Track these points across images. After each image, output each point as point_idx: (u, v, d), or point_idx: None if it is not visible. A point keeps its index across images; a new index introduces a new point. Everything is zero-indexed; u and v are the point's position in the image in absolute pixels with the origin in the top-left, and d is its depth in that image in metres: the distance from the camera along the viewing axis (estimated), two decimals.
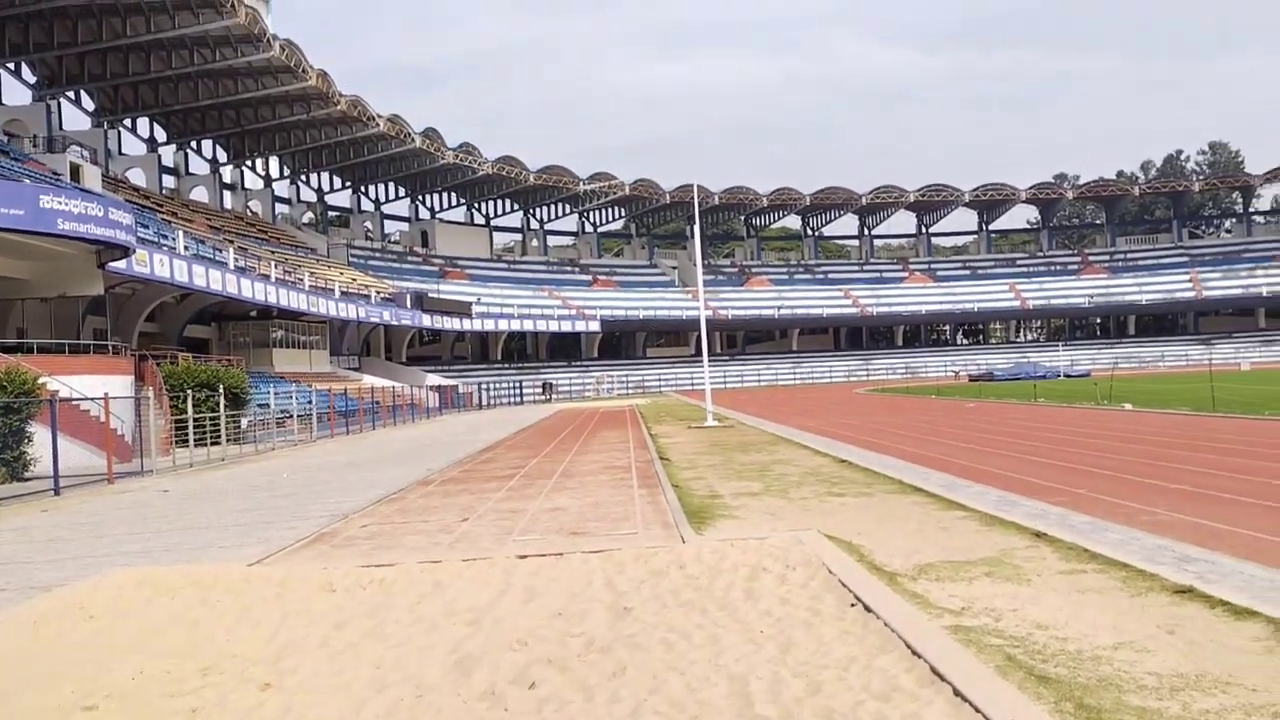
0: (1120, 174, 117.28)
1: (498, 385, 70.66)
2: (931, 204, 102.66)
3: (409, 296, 66.45)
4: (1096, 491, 11.98)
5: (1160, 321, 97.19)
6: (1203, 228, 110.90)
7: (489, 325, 74.26)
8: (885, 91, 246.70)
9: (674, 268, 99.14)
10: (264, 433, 30.72)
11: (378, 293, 63.93)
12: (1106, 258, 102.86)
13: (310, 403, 35.49)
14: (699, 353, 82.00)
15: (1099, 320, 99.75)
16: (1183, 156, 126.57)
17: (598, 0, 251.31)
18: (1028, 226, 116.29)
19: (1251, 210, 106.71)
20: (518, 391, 71.33)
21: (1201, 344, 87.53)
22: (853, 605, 6.78)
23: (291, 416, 34.30)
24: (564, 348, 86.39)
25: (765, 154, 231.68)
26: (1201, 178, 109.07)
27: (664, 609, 7.02)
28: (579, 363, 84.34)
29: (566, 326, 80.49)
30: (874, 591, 7.07)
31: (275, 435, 31.52)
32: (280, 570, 9.11)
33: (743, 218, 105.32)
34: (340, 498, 15.18)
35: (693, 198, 43.61)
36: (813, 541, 9.11)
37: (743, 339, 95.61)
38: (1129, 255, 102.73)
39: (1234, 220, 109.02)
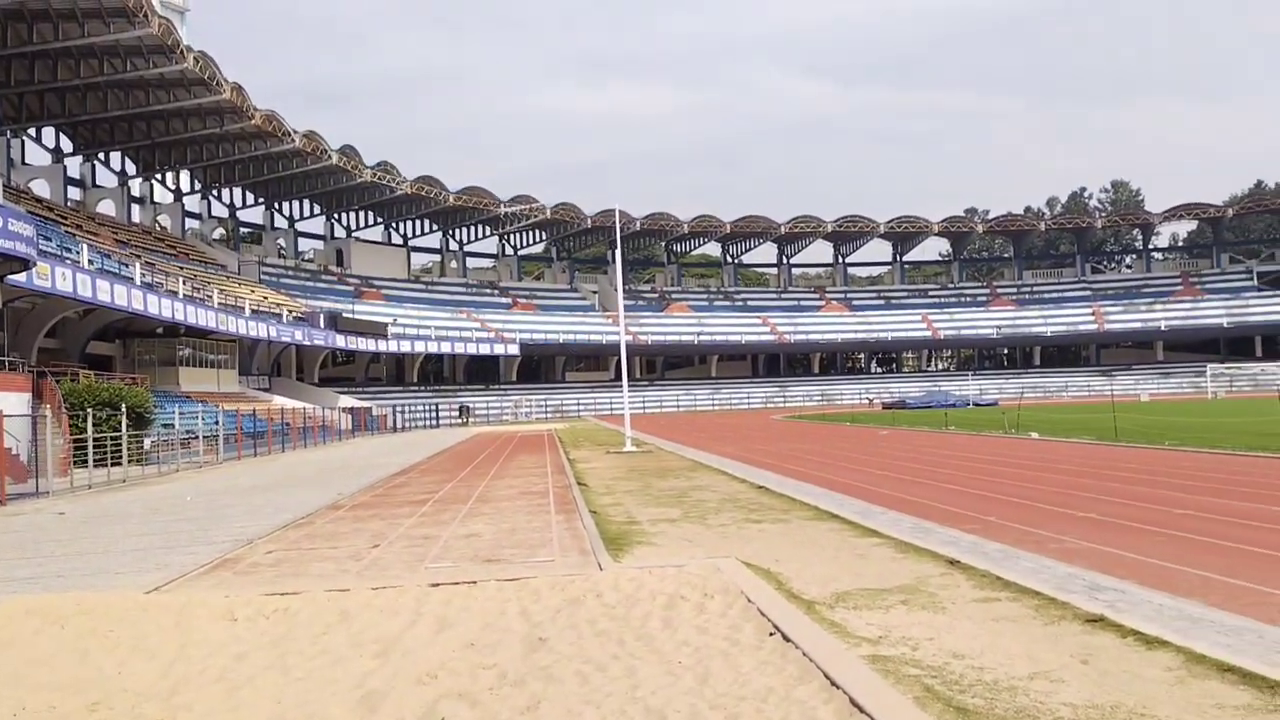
0: (1028, 209, 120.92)
1: (413, 408, 69.65)
2: (848, 234, 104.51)
3: (322, 316, 65.24)
4: (1007, 519, 12.15)
5: (1064, 353, 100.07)
6: (1105, 263, 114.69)
7: (405, 347, 73.24)
8: (803, 123, 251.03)
9: (594, 292, 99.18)
10: (168, 454, 29.73)
11: (290, 312, 62.62)
12: (1014, 290, 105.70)
13: (217, 423, 34.47)
14: (618, 377, 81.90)
15: (1006, 351, 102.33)
16: (1086, 194, 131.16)
17: (516, 27, 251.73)
18: (940, 259, 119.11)
19: (1151, 247, 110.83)
20: (434, 415, 70.40)
21: (1103, 375, 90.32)
22: (771, 634, 6.71)
23: (197, 437, 33.28)
24: (482, 371, 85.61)
25: (686, 181, 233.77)
26: (1104, 215, 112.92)
27: (580, 639, 6.87)
28: (497, 386, 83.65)
29: (485, 349, 79.78)
30: (792, 620, 7.01)
31: (180, 456, 30.52)
32: (179, 598, 8.72)
33: (663, 244, 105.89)
34: (245, 522, 14.69)
35: (614, 222, 43.66)
36: (731, 569, 9.04)
37: (662, 364, 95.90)
38: (1035, 288, 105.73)
39: (1134, 256, 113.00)
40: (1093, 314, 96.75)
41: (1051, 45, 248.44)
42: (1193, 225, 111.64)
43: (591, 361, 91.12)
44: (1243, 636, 6.22)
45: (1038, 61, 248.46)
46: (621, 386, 34.22)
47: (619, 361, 71.62)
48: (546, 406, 79.68)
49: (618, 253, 34.56)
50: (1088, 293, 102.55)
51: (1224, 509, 12.27)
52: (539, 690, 5.71)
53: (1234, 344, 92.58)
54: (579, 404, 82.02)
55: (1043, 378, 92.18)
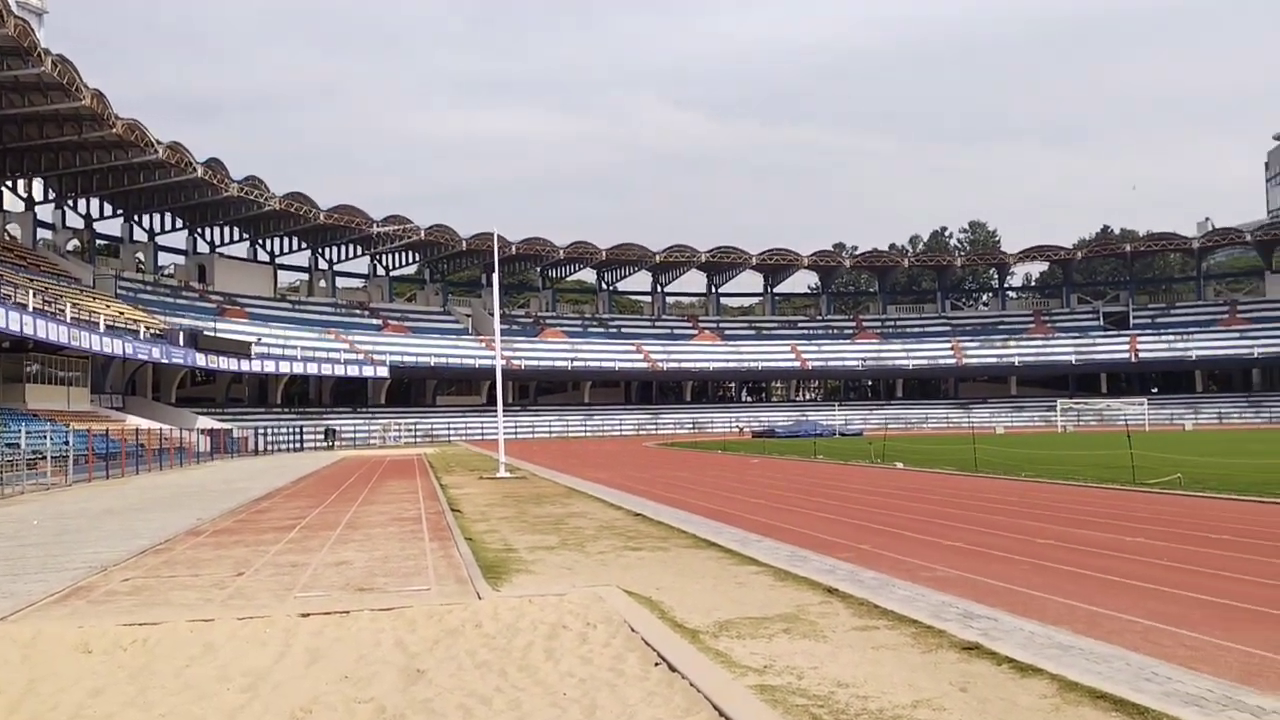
0: (892, 246, 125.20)
1: (276, 431, 67.37)
2: (721, 265, 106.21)
3: (182, 333, 62.64)
4: (880, 547, 12.40)
5: (925, 385, 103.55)
6: (963, 300, 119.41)
7: (269, 367, 70.89)
8: (679, 154, 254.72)
9: (468, 315, 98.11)
10: (12, 475, 27.99)
11: (147, 328, 59.95)
12: (879, 324, 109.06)
13: (67, 444, 32.64)
14: (491, 402, 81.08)
15: (871, 382, 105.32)
16: (947, 233, 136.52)
17: (392, 46, 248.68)
18: (809, 291, 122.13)
19: (1006, 286, 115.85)
20: (298, 438, 68.25)
21: (961, 408, 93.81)
22: (657, 664, 6.64)
23: (44, 458, 31.43)
24: (349, 393, 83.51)
25: (562, 208, 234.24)
26: (963, 254, 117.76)
27: (460, 671, 6.67)
28: (365, 409, 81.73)
29: (353, 371, 77.85)
30: (677, 650, 6.96)
31: (25, 478, 28.77)
32: (27, 629, 8.15)
33: (539, 269, 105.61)
34: (98, 548, 13.88)
35: (492, 245, 43.32)
36: (613, 598, 8.95)
37: (535, 389, 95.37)
38: (898, 322, 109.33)
39: (991, 294, 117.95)
40: (952, 349, 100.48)
41: (916, 89, 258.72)
42: (1044, 266, 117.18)
43: (464, 385, 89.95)
44: (1111, 664, 6.44)
45: (903, 104, 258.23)
46: (494, 411, 33.83)
47: (492, 385, 70.82)
48: (416, 431, 78.21)
49: (495, 276, 34.15)
50: (947, 328, 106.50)
51: (1082, 539, 12.79)
52: None
53: (1081, 380, 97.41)
54: (450, 428, 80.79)
55: (904, 409, 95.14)
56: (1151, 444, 36.34)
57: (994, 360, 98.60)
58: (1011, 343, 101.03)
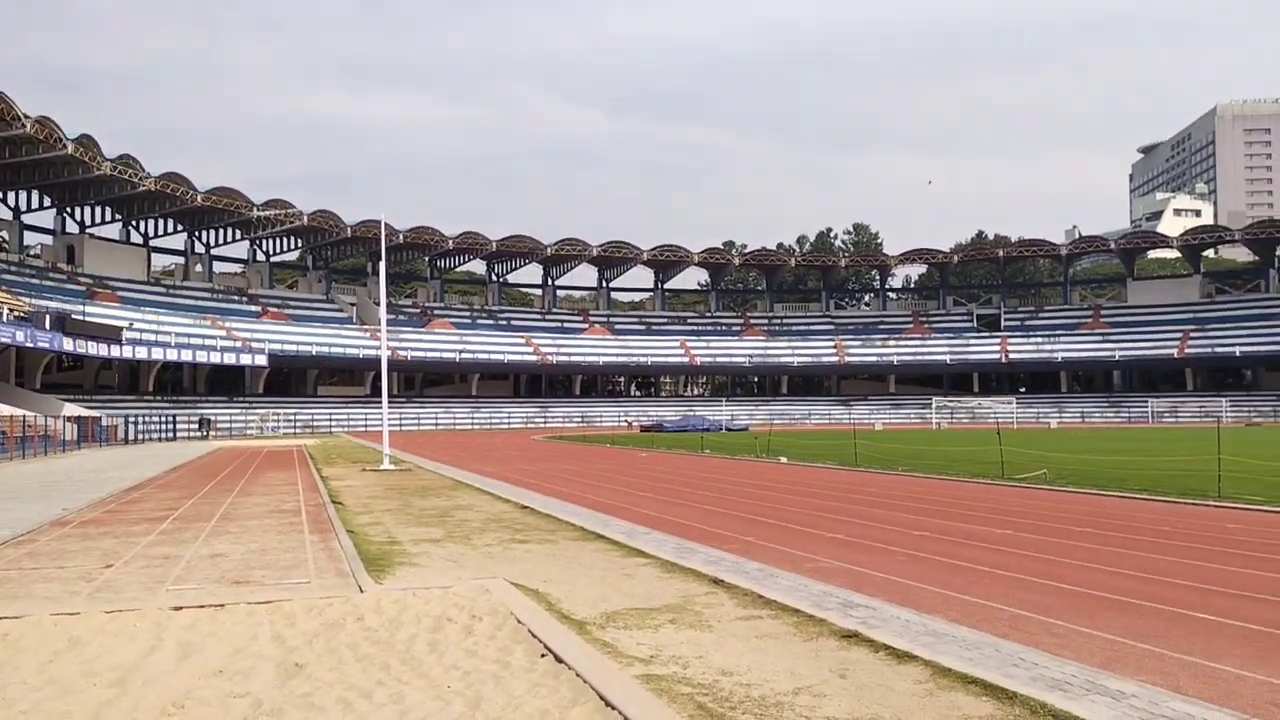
0: (780, 246, 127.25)
1: (148, 419, 64.85)
2: (612, 260, 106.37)
3: (48, 317, 59.73)
4: (764, 539, 12.60)
5: (809, 382, 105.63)
6: (847, 300, 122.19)
7: (141, 353, 68.16)
8: (572, 148, 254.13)
9: (352, 304, 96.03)
10: None
11: (11, 310, 57.01)
12: (765, 321, 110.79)
13: None
14: (375, 393, 79.56)
15: (757, 378, 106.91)
16: (832, 234, 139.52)
17: (278, 28, 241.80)
18: (698, 288, 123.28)
19: (887, 287, 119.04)
20: (171, 427, 65.83)
21: (842, 404, 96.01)
22: (543, 656, 6.62)
23: None
24: (226, 382, 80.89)
25: (452, 198, 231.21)
26: (847, 255, 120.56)
27: (341, 665, 6.53)
28: (242, 399, 79.28)
29: (230, 359, 75.41)
30: (564, 641, 6.94)
31: None
32: None
33: (427, 259, 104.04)
34: None
35: (378, 233, 42.45)
36: (499, 590, 8.88)
37: (421, 381, 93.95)
38: (785, 320, 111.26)
39: (872, 295, 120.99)
40: (835, 347, 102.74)
41: (803, 94, 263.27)
42: (923, 269, 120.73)
43: (346, 376, 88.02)
44: (982, 650, 6.68)
45: (791, 107, 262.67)
46: (378, 402, 33.21)
47: (376, 376, 69.44)
48: (296, 421, 76.25)
49: (382, 264, 33.48)
50: (831, 327, 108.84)
51: (955, 530, 13.23)
52: (298, 719, 5.37)
53: (955, 379, 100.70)
54: (332, 420, 78.98)
55: (789, 405, 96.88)
56: (1020, 441, 37.79)
57: (874, 359, 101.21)
58: (891, 342, 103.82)
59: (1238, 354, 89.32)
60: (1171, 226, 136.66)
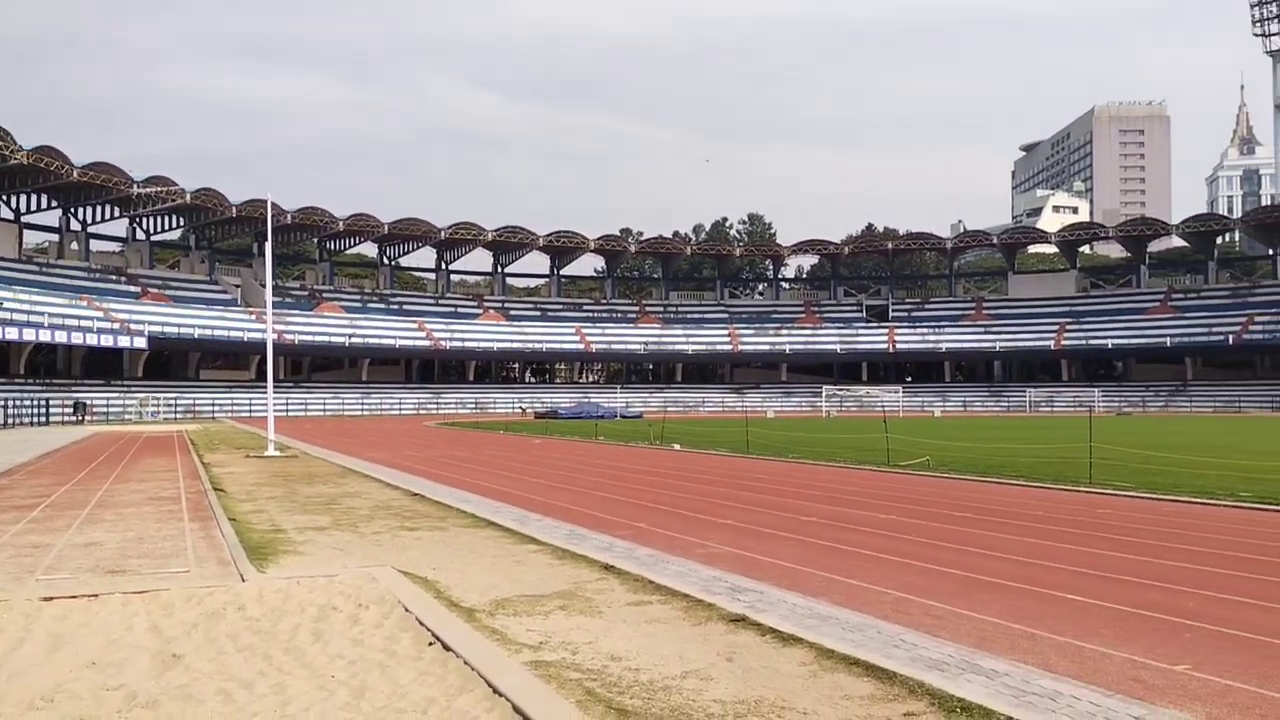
0: (676, 234, 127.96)
1: (19, 403, 61.90)
2: (508, 245, 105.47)
3: None
4: (656, 526, 12.69)
5: (703, 370, 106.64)
6: (741, 289, 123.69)
7: (11, 334, 64.97)
8: (468, 132, 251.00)
9: (237, 285, 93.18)
10: None
11: None
12: (661, 309, 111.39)
13: None
14: (260, 377, 77.36)
15: (652, 366, 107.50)
16: (728, 224, 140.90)
17: (165, 1, 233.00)
18: (595, 275, 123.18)
19: (780, 277, 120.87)
20: (44, 411, 62.99)
21: (735, 392, 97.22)
22: (431, 644, 6.56)
23: None
24: (103, 365, 77.70)
25: (343, 179, 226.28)
26: (742, 244, 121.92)
27: (221, 655, 6.36)
28: (120, 382, 76.30)
29: (107, 341, 72.43)
30: (452, 629, 6.89)
31: None
32: None
33: (316, 240, 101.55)
34: None
35: (264, 213, 41.22)
36: (387, 578, 8.76)
37: (309, 366, 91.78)
38: (680, 308, 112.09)
39: (766, 284, 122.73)
40: (729, 335, 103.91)
41: (700, 84, 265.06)
42: (815, 260, 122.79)
43: (230, 360, 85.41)
44: (864, 632, 6.86)
45: (688, 97, 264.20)
46: (264, 387, 32.35)
47: (262, 360, 67.43)
48: (177, 406, 73.75)
49: (268, 245, 32.57)
50: (725, 315, 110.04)
51: (842, 516, 13.54)
52: (175, 711, 5.21)
53: (845, 368, 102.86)
54: (215, 405, 76.61)
55: (683, 392, 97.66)
56: (905, 429, 38.84)
57: (767, 348, 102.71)
58: (784, 331, 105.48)
59: (1110, 346, 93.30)
60: (1050, 223, 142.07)
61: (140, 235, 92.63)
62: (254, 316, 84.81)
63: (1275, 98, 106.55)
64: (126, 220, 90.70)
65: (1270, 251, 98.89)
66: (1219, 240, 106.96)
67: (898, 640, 6.63)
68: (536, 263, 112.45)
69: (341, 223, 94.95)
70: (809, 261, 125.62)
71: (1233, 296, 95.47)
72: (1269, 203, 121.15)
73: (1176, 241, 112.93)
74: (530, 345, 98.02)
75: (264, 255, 33.60)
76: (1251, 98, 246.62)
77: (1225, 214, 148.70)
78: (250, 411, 73.66)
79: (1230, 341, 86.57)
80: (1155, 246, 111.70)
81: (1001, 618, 7.39)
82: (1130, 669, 6.00)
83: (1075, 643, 6.64)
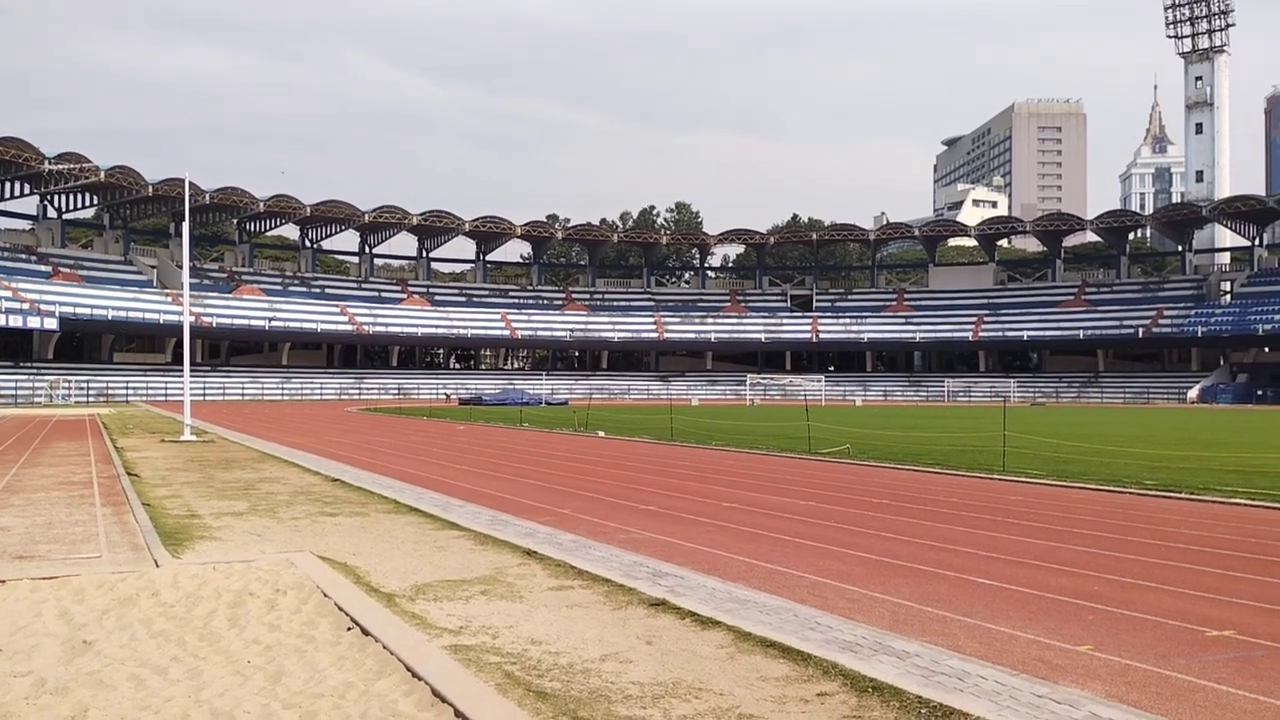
0: (603, 221, 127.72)
1: None
2: (433, 229, 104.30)
3: None
4: (579, 512, 12.74)
5: (629, 357, 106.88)
6: (667, 277, 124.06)
7: None
8: (393, 114, 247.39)
9: (153, 267, 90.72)
10: None
11: None
12: (587, 296, 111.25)
13: None
14: (176, 361, 75.56)
15: (578, 353, 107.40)
16: (655, 212, 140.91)
17: None
18: (521, 261, 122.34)
19: (706, 266, 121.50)
20: None
21: (661, 380, 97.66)
22: (349, 629, 6.52)
23: None
24: (11, 346, 75.09)
25: (265, 160, 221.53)
26: (669, 233, 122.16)
27: (134, 641, 6.25)
28: (29, 364, 73.90)
29: (16, 322, 70.03)
30: (371, 614, 6.86)
31: None
32: None
33: (236, 221, 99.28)
34: None
35: (183, 192, 40.22)
36: (305, 563, 8.68)
37: (227, 349, 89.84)
38: (606, 296, 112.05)
39: (692, 273, 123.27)
40: (655, 323, 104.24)
41: (630, 71, 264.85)
42: (741, 249, 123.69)
43: (146, 342, 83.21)
44: (782, 615, 6.99)
45: (617, 83, 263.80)
46: (180, 371, 31.61)
47: (178, 343, 65.85)
48: (90, 390, 71.68)
49: (185, 225, 31.77)
50: (652, 303, 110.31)
51: (763, 502, 13.73)
52: (86, 698, 5.11)
53: (769, 357, 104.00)
54: (129, 389, 74.61)
55: (609, 380, 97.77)
56: (827, 417, 39.44)
57: (693, 336, 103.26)
58: (709, 320, 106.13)
59: (1025, 338, 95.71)
60: (970, 216, 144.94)
61: (51, 213, 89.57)
62: (170, 298, 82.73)
63: (1186, 98, 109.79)
64: (37, 198, 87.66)
65: (1179, 248, 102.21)
66: (1131, 236, 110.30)
67: (814, 623, 6.77)
68: (462, 248, 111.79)
69: (262, 204, 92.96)
70: (735, 251, 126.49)
71: (1143, 291, 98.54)
72: (1179, 200, 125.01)
73: (1091, 237, 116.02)
74: (455, 331, 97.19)
75: (181, 236, 32.79)
76: (1164, 98, 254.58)
77: (1137, 210, 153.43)
78: (166, 396, 71.93)
79: (1140, 335, 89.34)
80: (1070, 241, 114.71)
81: (914, 600, 7.58)
82: (1035, 649, 6.22)
83: (984, 624, 6.85)
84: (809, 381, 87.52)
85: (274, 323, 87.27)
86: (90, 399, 69.90)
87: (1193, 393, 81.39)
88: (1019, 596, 7.79)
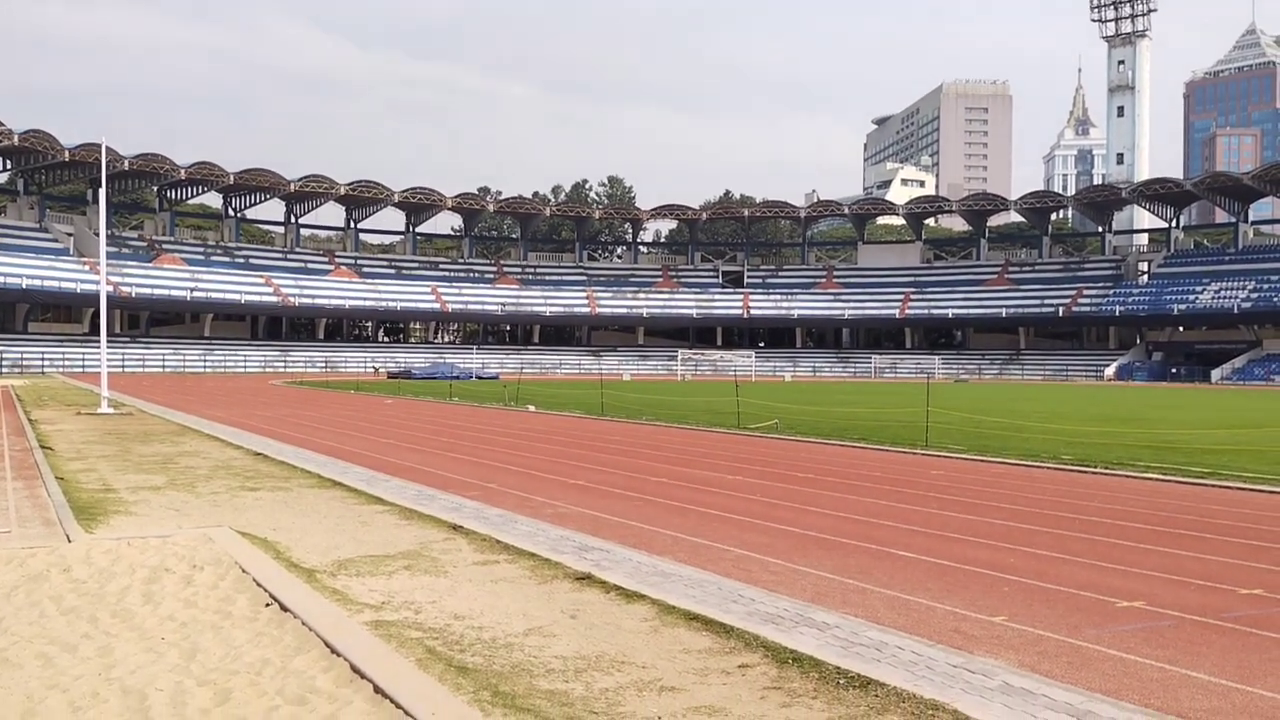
0: (535, 194, 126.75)
1: None
2: (362, 200, 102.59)
3: None
4: (507, 486, 12.68)
5: (561, 332, 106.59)
6: (600, 252, 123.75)
7: None
8: (318, 78, 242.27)
9: (69, 234, 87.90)
10: None
11: None
12: (519, 270, 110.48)
13: None
14: (94, 331, 73.48)
15: (509, 327, 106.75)
16: (587, 186, 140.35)
17: None
18: (452, 233, 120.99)
19: (639, 241, 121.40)
20: None
21: (593, 355, 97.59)
22: (268, 605, 6.42)
23: None
24: None
25: (185, 124, 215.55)
26: (601, 207, 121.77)
27: (43, 618, 6.09)
28: None
29: None
30: (291, 590, 6.76)
31: None
32: None
33: (156, 189, 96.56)
34: None
35: (100, 157, 38.98)
36: (224, 539, 8.51)
37: (147, 320, 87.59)
38: (538, 270, 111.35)
39: (625, 248, 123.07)
40: (587, 298, 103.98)
41: (561, 40, 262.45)
42: (674, 225, 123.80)
43: (62, 312, 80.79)
44: (705, 589, 7.03)
45: (548, 53, 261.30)
46: (98, 341, 30.75)
47: (96, 313, 63.94)
48: (3, 361, 69.42)
49: (102, 191, 30.78)
50: (584, 278, 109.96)
51: (690, 477, 13.80)
52: None
53: (701, 332, 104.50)
54: (44, 359, 72.42)
55: (540, 354, 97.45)
56: (757, 393, 39.74)
57: (625, 311, 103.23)
58: (641, 295, 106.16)
59: (950, 316, 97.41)
60: (899, 195, 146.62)
61: None
62: (88, 267, 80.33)
63: (1109, 82, 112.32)
64: None
65: (1100, 229, 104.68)
66: (1054, 216, 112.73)
67: (736, 596, 6.83)
68: (392, 219, 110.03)
69: (184, 171, 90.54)
70: (668, 226, 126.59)
71: (1064, 270, 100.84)
72: (1100, 182, 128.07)
73: (1015, 217, 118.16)
74: (384, 304, 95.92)
75: (99, 203, 31.79)
76: (1088, 80, 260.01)
77: (1060, 191, 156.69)
78: (83, 367, 69.98)
79: (1060, 313, 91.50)
80: (995, 221, 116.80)
81: (836, 573, 7.69)
82: (952, 620, 6.34)
83: (903, 596, 6.97)
84: (740, 357, 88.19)
85: (196, 293, 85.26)
86: (3, 370, 67.72)
87: (1110, 370, 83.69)
88: (938, 569, 7.94)
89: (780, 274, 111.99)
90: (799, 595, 6.93)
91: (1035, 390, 57.09)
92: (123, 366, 71.50)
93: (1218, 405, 37.07)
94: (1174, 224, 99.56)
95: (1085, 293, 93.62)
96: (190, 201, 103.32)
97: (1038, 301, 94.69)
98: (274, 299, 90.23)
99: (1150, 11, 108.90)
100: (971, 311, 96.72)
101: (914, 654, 5.54)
